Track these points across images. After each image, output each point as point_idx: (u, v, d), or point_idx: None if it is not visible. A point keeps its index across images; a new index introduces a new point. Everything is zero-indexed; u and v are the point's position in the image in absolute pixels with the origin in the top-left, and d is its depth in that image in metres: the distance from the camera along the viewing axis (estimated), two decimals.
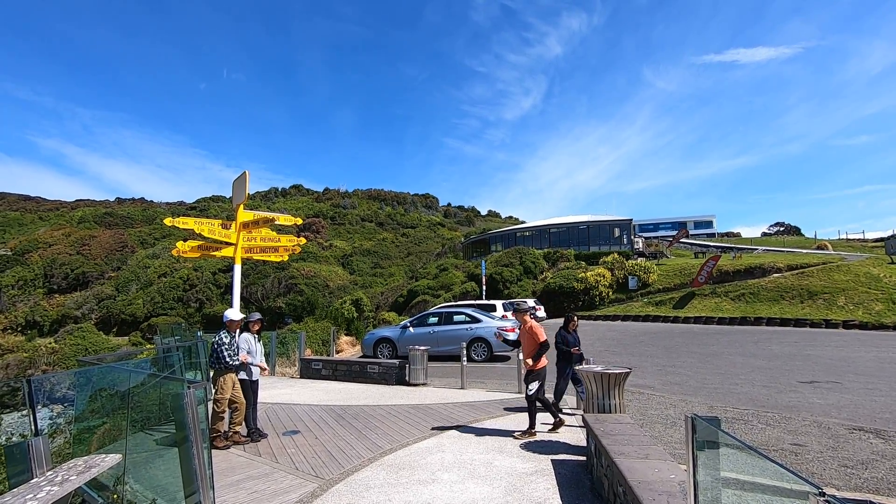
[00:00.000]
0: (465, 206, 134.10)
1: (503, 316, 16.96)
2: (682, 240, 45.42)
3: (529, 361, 6.12)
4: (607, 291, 33.33)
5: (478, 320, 13.26)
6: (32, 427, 3.49)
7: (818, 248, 40.33)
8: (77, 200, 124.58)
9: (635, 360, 12.86)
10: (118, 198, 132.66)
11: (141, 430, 5.96)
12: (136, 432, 5.41)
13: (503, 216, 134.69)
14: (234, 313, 6.15)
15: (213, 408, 5.78)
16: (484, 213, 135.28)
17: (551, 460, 4.94)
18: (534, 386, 5.99)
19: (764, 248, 43.46)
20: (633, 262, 35.77)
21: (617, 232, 46.37)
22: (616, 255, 36.49)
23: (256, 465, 5.04)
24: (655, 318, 27.75)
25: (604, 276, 33.62)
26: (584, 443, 5.50)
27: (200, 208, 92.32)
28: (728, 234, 69.62)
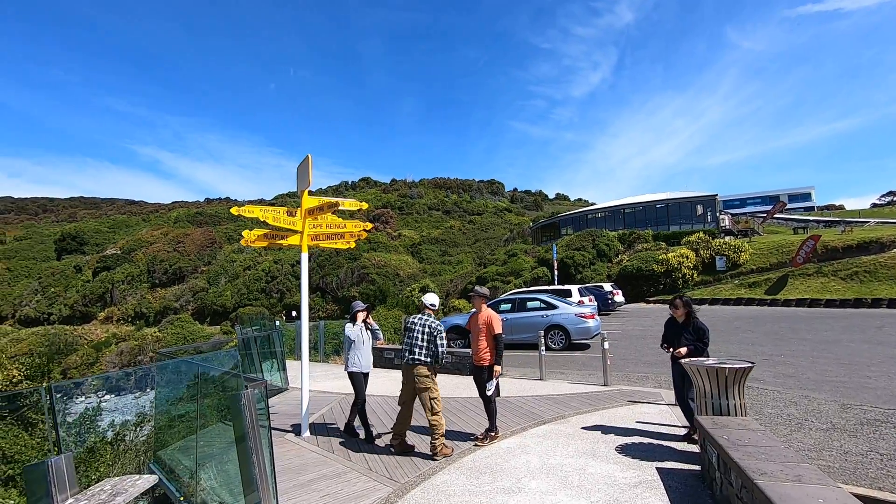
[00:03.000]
0: (532, 191, 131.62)
1: (579, 301, 16.01)
2: (776, 215, 41.11)
3: (497, 368, 5.30)
4: (691, 273, 30.94)
5: (554, 306, 12.50)
6: (55, 444, 3.39)
7: None
8: (173, 202, 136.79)
9: (735, 349, 11.52)
10: (207, 198, 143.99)
11: (220, 421, 5.98)
12: (215, 423, 5.39)
13: (572, 199, 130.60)
14: (433, 297, 5.31)
15: (431, 421, 4.83)
16: (552, 196, 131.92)
17: (657, 469, 4.23)
18: (492, 385, 5.27)
19: (877, 220, 38.24)
20: (721, 240, 32.91)
21: (700, 209, 42.95)
22: (701, 234, 33.73)
23: (329, 464, 4.80)
24: (749, 302, 25.27)
25: (687, 256, 31.19)
26: (693, 448, 4.73)
27: (279, 204, 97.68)
28: (828, 207, 62.38)
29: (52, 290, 62.17)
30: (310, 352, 15.56)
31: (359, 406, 5.76)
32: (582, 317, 12.14)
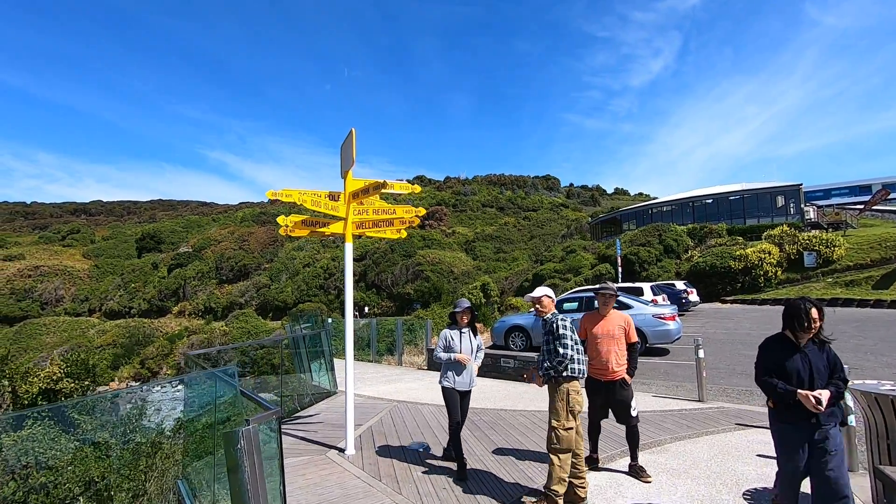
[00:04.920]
0: (589, 186, 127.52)
1: (653, 301, 14.51)
2: (874, 206, 36.52)
3: (628, 377, 4.29)
4: (774, 271, 28.02)
5: (628, 306, 11.16)
6: None
7: None
8: (240, 203, 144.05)
9: (850, 358, 9.72)
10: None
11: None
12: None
13: (632, 193, 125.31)
14: (543, 290, 4.07)
15: (555, 464, 3.55)
16: (610, 191, 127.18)
17: None
18: (635, 403, 4.25)
19: None
20: (809, 234, 29.62)
21: (780, 201, 39.20)
22: (785, 228, 30.55)
23: (375, 495, 3.99)
24: (848, 303, 22.33)
25: (769, 252, 28.26)
26: None
27: None
28: None
29: (133, 285, 66.92)
30: (362, 350, 15.15)
31: (451, 429, 4.56)
32: (661, 318, 10.76)
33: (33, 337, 54.40)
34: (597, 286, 4.65)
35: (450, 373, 4.60)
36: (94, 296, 67.67)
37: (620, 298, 11.54)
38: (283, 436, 5.97)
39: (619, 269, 28.72)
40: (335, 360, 9.65)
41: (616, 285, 17.65)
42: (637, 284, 16.25)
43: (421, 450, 5.14)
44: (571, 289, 25.25)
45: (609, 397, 4.29)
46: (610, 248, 34.85)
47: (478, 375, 9.03)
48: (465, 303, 4.74)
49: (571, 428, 3.58)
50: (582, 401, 3.71)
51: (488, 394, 7.92)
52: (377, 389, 8.75)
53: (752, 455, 4.55)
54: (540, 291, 3.99)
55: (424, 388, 8.61)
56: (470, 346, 4.65)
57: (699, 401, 6.74)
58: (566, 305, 12.36)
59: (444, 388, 4.62)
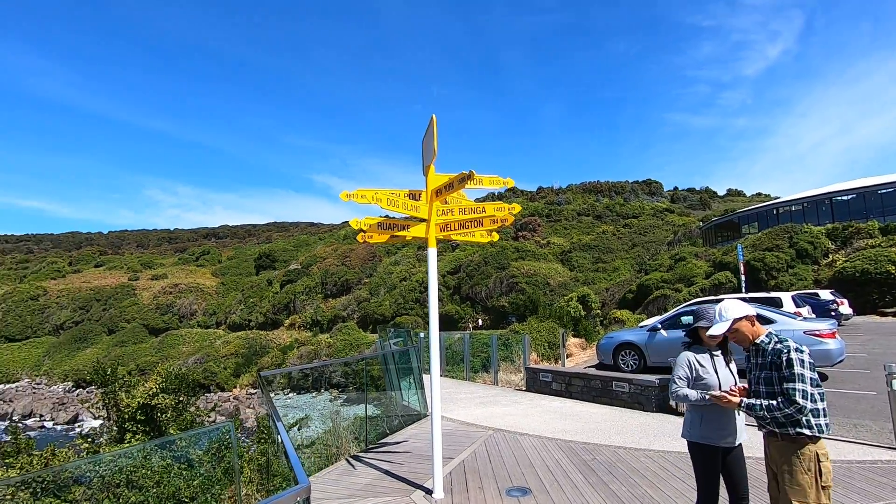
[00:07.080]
0: (697, 188, 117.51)
1: (796, 313, 12.13)
2: None
3: None
4: None
5: (769, 320, 9.22)
6: None
7: None
8: (343, 222, 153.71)
9: None
10: (368, 217, 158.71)
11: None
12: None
13: (748, 194, 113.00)
14: (737, 307, 2.86)
15: None
16: (721, 193, 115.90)
17: None
18: None
19: None
20: None
21: None
22: None
23: None
24: None
25: None
26: None
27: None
28: None
29: (251, 300, 73.61)
30: (455, 366, 14.50)
31: None
32: (817, 335, 8.70)
33: (173, 346, 61.82)
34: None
35: (704, 419, 2.98)
36: (220, 310, 75.55)
37: (760, 312, 9.64)
38: (367, 467, 5.44)
39: (743, 278, 25.24)
40: (426, 377, 9.09)
41: (748, 295, 15.18)
42: (772, 294, 13.81)
43: (521, 498, 4.24)
44: (685, 301, 22.60)
45: None
46: (728, 254, 31.11)
47: (586, 400, 7.79)
48: (717, 314, 2.94)
49: None
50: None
51: (601, 424, 6.75)
52: (470, 413, 7.96)
53: None
54: (737, 308, 2.67)
55: (522, 414, 7.65)
56: (731, 376, 3.07)
57: None
58: (688, 318, 10.66)
59: (696, 446, 3.02)
